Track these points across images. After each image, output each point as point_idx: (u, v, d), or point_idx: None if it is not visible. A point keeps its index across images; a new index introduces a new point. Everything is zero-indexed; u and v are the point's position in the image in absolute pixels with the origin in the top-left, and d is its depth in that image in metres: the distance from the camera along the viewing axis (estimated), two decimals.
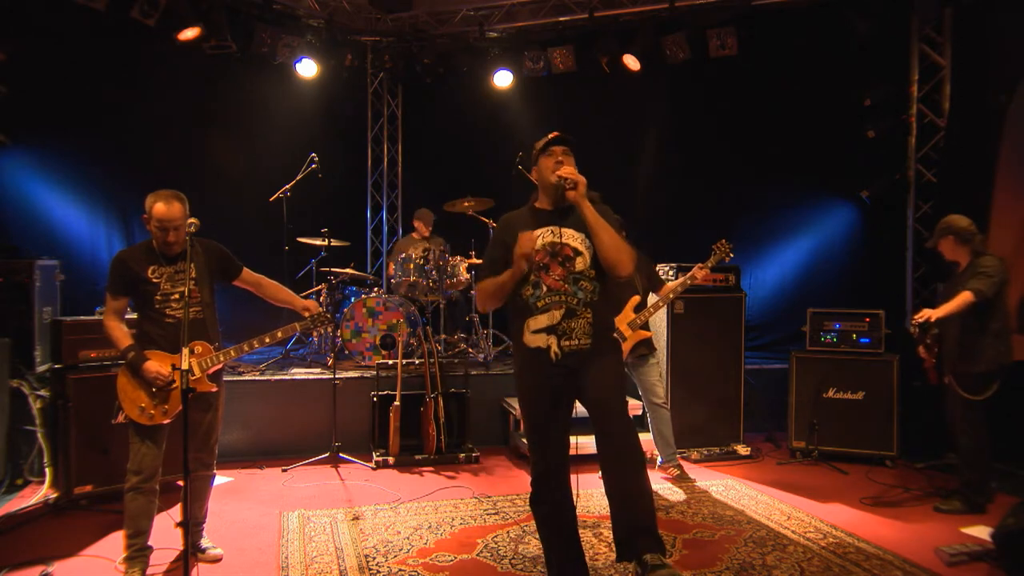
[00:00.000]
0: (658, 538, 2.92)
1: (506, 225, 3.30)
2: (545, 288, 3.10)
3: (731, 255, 5.01)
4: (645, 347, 5.14)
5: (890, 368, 5.62)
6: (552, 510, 3.18)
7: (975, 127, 6.14)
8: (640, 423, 5.80)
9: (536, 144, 3.28)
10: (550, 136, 3.22)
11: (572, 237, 3.17)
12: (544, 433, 3.16)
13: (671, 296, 5.08)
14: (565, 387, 3.12)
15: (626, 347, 4.92)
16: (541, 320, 3.09)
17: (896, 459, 5.61)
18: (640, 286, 5.03)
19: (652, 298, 5.17)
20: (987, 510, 4.58)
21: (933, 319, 4.33)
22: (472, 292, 7.14)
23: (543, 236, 3.15)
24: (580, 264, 3.13)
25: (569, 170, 3.11)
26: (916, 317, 4.41)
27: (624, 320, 4.90)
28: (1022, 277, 5.41)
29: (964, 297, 4.34)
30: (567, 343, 3.06)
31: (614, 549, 3.02)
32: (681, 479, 5.23)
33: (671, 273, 5.63)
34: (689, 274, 5.03)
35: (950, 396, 4.66)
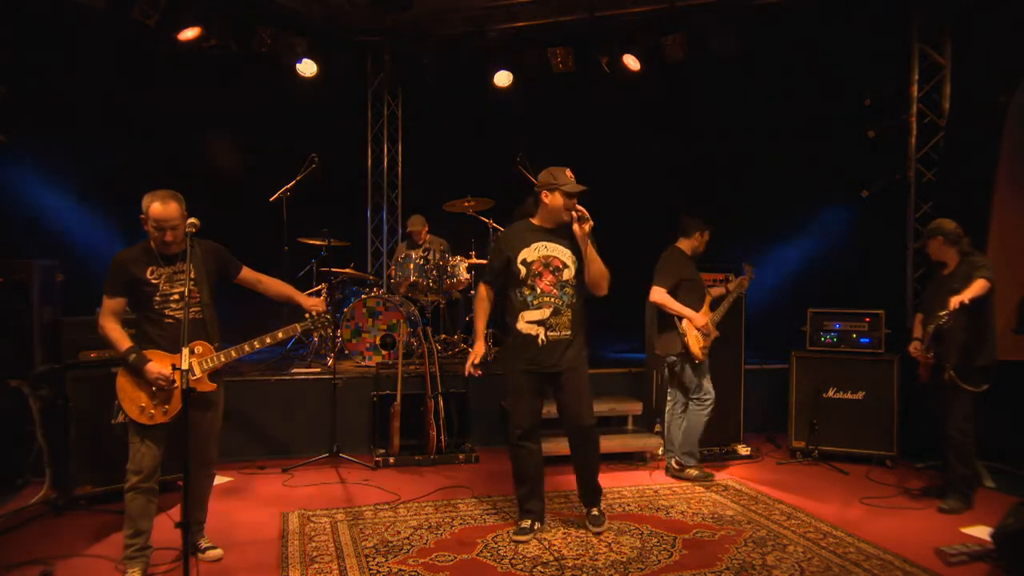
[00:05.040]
0: (598, 492, 4.32)
1: (506, 239, 4.16)
2: (539, 290, 4.02)
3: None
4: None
5: (890, 368, 5.62)
6: (525, 454, 4.16)
7: (975, 127, 6.13)
8: (643, 423, 5.81)
9: (557, 177, 3.98)
10: (575, 190, 3.96)
11: (561, 252, 4.05)
12: (523, 399, 4.13)
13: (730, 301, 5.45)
14: (544, 375, 4.07)
15: (706, 342, 5.12)
16: (535, 315, 4.04)
17: (896, 459, 5.61)
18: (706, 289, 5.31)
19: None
20: (974, 504, 4.64)
21: (966, 301, 4.35)
22: (472, 292, 7.14)
23: (538, 249, 4.05)
24: (567, 275, 4.05)
25: (583, 210, 3.95)
26: (951, 306, 4.34)
27: (708, 319, 5.16)
28: (1023, 277, 5.41)
29: (982, 283, 4.44)
30: (551, 334, 4.04)
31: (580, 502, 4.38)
32: (699, 478, 5.23)
33: None
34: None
35: (944, 393, 4.66)
